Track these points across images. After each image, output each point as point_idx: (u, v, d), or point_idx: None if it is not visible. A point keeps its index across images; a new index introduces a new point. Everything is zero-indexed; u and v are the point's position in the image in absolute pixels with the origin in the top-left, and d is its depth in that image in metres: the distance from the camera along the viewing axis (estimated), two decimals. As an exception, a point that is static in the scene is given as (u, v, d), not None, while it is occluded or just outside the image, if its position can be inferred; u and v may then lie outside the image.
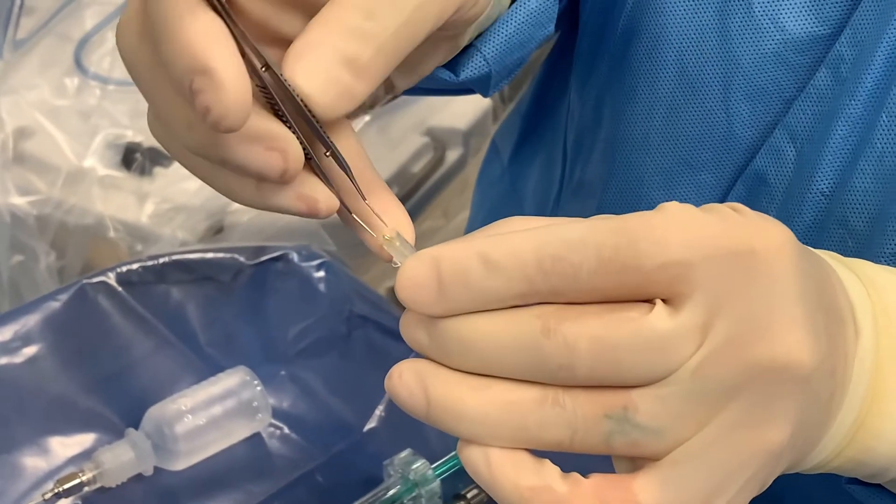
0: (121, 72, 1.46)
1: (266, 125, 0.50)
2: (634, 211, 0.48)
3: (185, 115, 0.51)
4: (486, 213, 1.07)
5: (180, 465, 0.88)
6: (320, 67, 0.51)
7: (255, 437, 0.91)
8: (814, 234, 0.70)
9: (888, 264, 0.58)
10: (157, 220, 1.35)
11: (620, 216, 0.47)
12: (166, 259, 0.99)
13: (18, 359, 0.93)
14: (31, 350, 0.94)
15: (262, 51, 0.50)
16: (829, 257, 0.55)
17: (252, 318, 0.99)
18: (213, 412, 0.89)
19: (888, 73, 0.67)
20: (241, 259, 1.00)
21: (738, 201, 0.71)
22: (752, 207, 0.50)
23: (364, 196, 0.54)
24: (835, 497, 0.66)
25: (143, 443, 0.86)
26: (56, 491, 0.83)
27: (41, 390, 0.92)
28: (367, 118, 1.50)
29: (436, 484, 0.82)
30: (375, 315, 0.98)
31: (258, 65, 0.50)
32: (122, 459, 0.85)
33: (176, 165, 1.39)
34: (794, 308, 0.48)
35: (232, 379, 0.91)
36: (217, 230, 1.36)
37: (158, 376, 0.94)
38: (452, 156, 1.58)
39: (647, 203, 0.77)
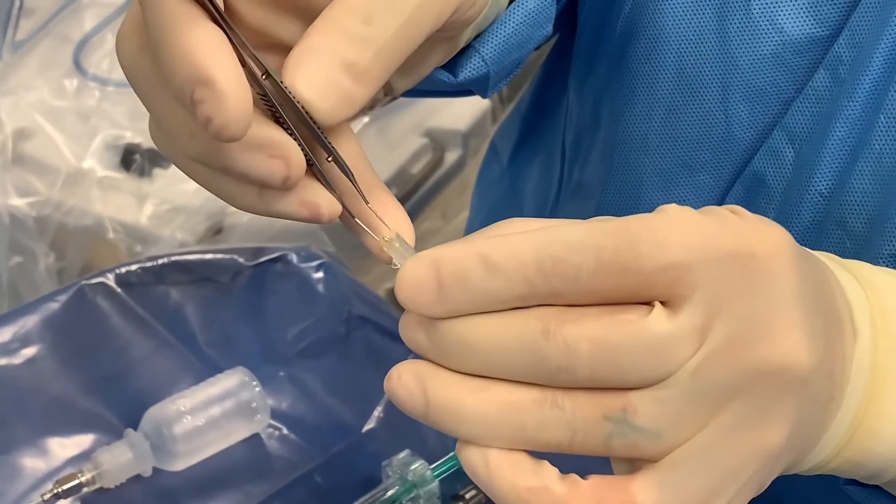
0: (120, 73, 1.45)
1: (267, 133, 0.50)
2: (633, 212, 0.48)
3: (185, 124, 0.52)
4: (486, 214, 1.08)
5: (179, 465, 0.88)
6: (320, 73, 0.51)
7: (254, 438, 0.91)
8: (812, 235, 0.70)
9: (887, 265, 0.59)
10: (156, 222, 1.35)
11: (620, 218, 0.47)
12: (165, 260, 0.99)
13: (17, 360, 0.93)
14: (30, 351, 0.94)
15: (262, 58, 0.50)
16: (828, 259, 0.55)
17: (251, 319, 0.99)
18: (211, 413, 0.89)
19: (886, 74, 0.67)
20: (241, 260, 1.00)
21: (736, 202, 0.72)
22: (751, 208, 0.50)
23: (367, 200, 0.54)
24: (833, 498, 0.66)
25: (142, 443, 0.86)
26: (55, 492, 0.84)
27: (40, 391, 0.92)
28: (365, 119, 1.50)
29: (434, 485, 0.83)
30: (374, 316, 0.98)
31: (258, 72, 0.50)
32: (120, 460, 0.86)
33: (175, 167, 1.38)
34: (793, 310, 0.48)
35: (231, 380, 0.91)
36: (216, 231, 1.36)
37: (157, 377, 0.94)
38: (451, 157, 1.58)
39: (645, 204, 0.77)
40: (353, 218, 0.54)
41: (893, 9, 0.67)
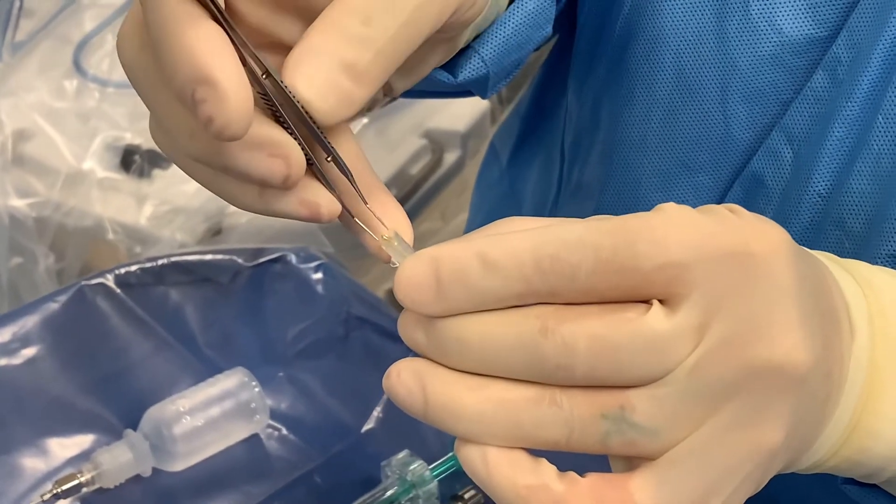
0: (120, 74, 1.46)
1: (268, 132, 0.51)
2: (632, 212, 0.48)
3: (186, 123, 0.52)
4: (485, 214, 1.08)
5: (179, 466, 0.88)
6: (320, 73, 0.51)
7: (254, 439, 0.92)
8: (811, 235, 0.70)
9: (885, 265, 0.59)
10: (155, 222, 1.35)
11: (618, 217, 0.47)
12: (165, 261, 0.99)
13: (17, 360, 0.93)
14: (29, 351, 0.94)
15: (262, 57, 0.50)
16: (826, 258, 0.55)
17: (250, 320, 0.99)
18: (211, 413, 0.89)
19: (885, 75, 0.67)
20: (240, 261, 1.00)
21: (735, 203, 0.72)
22: (750, 209, 0.50)
23: (365, 200, 0.54)
24: (830, 497, 0.66)
25: (142, 444, 0.86)
26: (55, 492, 0.84)
27: (40, 391, 0.92)
28: (365, 120, 1.50)
29: (433, 485, 0.83)
30: (373, 316, 0.98)
31: (259, 72, 0.50)
32: (120, 460, 0.86)
33: (175, 168, 1.38)
34: (791, 309, 0.48)
35: (230, 380, 0.91)
36: (215, 232, 1.36)
37: (157, 377, 0.94)
38: (450, 158, 1.58)
39: (644, 205, 0.78)
40: (353, 217, 0.55)
41: (892, 10, 0.67)
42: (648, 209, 0.48)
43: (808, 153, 0.70)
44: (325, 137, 0.52)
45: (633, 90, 0.78)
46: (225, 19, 0.48)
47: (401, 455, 0.84)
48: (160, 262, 0.99)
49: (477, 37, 0.67)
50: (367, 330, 0.98)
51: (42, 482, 0.87)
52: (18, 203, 1.37)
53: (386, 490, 0.83)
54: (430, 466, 0.83)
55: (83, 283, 0.97)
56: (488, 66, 0.67)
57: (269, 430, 0.92)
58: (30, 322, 0.95)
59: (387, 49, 0.52)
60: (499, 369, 0.48)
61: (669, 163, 0.77)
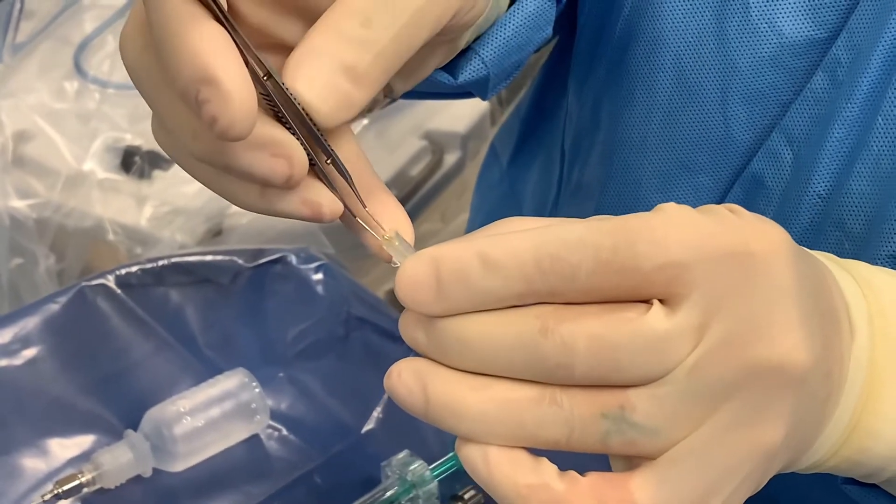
0: (120, 75, 1.47)
1: (270, 132, 0.51)
2: (632, 213, 0.48)
3: (189, 123, 0.52)
4: (485, 215, 1.08)
5: (179, 466, 0.88)
6: (320, 75, 0.51)
7: (254, 439, 0.92)
8: (810, 236, 0.70)
9: (885, 266, 0.59)
10: (155, 223, 1.35)
11: (618, 217, 0.47)
12: (165, 261, 0.99)
13: (18, 361, 0.93)
14: (30, 352, 0.94)
15: (264, 59, 0.51)
16: (826, 258, 0.55)
17: (250, 321, 0.99)
18: (211, 414, 0.89)
19: (884, 76, 0.67)
20: (240, 261, 1.00)
21: (735, 204, 0.72)
22: (750, 210, 0.50)
23: (364, 203, 0.55)
24: (830, 497, 0.67)
25: (142, 444, 0.86)
26: (55, 492, 0.84)
27: (40, 392, 0.92)
28: (365, 121, 1.50)
29: (433, 485, 0.83)
30: (373, 317, 0.98)
31: (260, 73, 0.51)
32: (121, 461, 0.86)
33: (175, 169, 1.39)
34: (790, 309, 0.48)
35: (230, 381, 0.91)
36: (216, 233, 1.36)
37: (157, 378, 0.94)
38: (450, 159, 1.58)
39: (644, 205, 0.78)
40: (355, 217, 0.55)
41: (891, 11, 0.67)
42: (648, 210, 0.48)
43: (808, 154, 0.70)
44: (324, 140, 0.52)
45: (633, 91, 0.78)
46: (227, 20, 0.49)
47: (401, 455, 0.84)
48: (160, 262, 0.99)
49: (477, 38, 0.67)
50: (368, 330, 0.98)
51: (43, 482, 0.87)
52: (19, 204, 1.37)
53: (386, 490, 0.83)
54: (431, 466, 0.83)
55: (83, 283, 0.97)
56: (489, 68, 0.67)
57: (270, 431, 0.92)
58: (30, 323, 0.95)
59: (386, 52, 0.52)
60: (499, 369, 0.48)
61: (669, 163, 0.77)
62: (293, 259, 1.01)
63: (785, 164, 0.72)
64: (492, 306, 0.48)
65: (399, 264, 0.51)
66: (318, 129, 0.52)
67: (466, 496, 0.85)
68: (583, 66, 0.85)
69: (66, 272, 1.38)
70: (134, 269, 0.98)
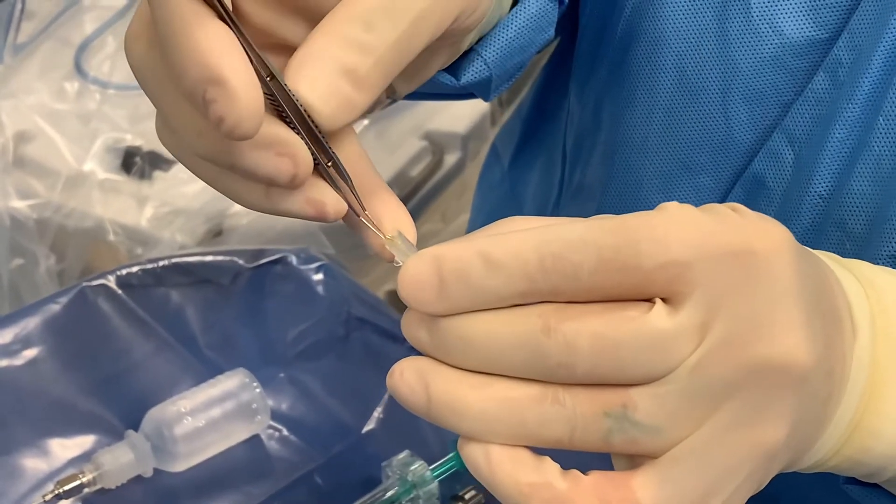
0: (120, 76, 1.47)
1: (275, 131, 0.51)
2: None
3: (194, 122, 0.52)
4: (486, 216, 1.08)
5: (180, 466, 0.88)
6: (322, 77, 0.51)
7: (254, 439, 0.92)
8: (812, 236, 0.70)
9: (886, 266, 0.59)
10: (156, 224, 1.35)
11: (621, 216, 0.48)
12: (166, 262, 0.99)
13: (18, 361, 0.93)
14: (31, 352, 0.94)
15: (266, 59, 0.51)
16: (828, 258, 0.55)
17: (251, 321, 0.99)
18: (212, 414, 0.89)
19: (885, 77, 0.67)
20: (240, 262, 1.00)
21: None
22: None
23: (364, 207, 0.55)
24: (831, 497, 0.67)
25: (143, 444, 0.86)
26: (56, 492, 0.84)
27: (41, 392, 0.92)
28: (365, 122, 1.50)
29: (434, 485, 0.83)
30: (373, 317, 0.98)
31: (263, 73, 0.51)
32: (121, 461, 0.86)
33: (175, 169, 1.39)
34: (792, 308, 0.48)
35: (231, 381, 0.91)
36: (216, 233, 1.36)
37: (158, 378, 0.94)
38: (451, 159, 1.58)
39: (646, 206, 0.77)
40: (358, 216, 0.55)
41: (892, 12, 0.67)
42: (650, 210, 0.48)
43: (809, 154, 0.70)
44: (326, 142, 0.53)
45: (634, 92, 0.78)
46: (231, 20, 0.49)
47: (401, 455, 0.84)
48: (161, 263, 0.99)
49: (480, 39, 0.67)
50: (368, 330, 0.98)
51: (44, 483, 0.87)
52: (19, 204, 1.37)
53: (386, 490, 0.83)
54: (431, 467, 0.83)
55: (84, 284, 0.97)
56: (491, 69, 0.67)
57: (270, 431, 0.92)
58: (31, 323, 0.95)
59: (387, 56, 0.52)
60: (501, 368, 0.48)
61: (671, 164, 0.77)
62: (293, 259, 1.01)
63: (786, 164, 0.72)
64: (494, 305, 0.48)
65: (401, 264, 0.51)
66: (320, 131, 0.52)
67: (467, 496, 0.85)
68: (584, 67, 0.85)
69: (66, 273, 1.38)
70: (134, 269, 0.98)
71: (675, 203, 0.48)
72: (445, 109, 1.57)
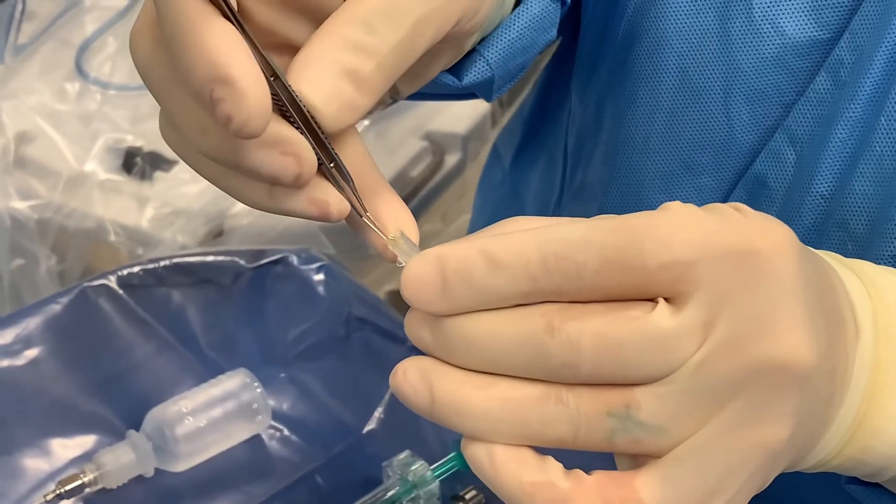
0: (121, 77, 1.47)
1: (280, 130, 0.51)
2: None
3: (199, 120, 0.52)
4: (488, 216, 1.08)
5: (181, 466, 0.88)
6: (324, 79, 0.51)
7: (255, 439, 0.92)
8: (813, 236, 0.70)
9: (888, 266, 0.59)
10: (157, 224, 1.35)
11: (624, 216, 0.48)
12: (167, 262, 0.99)
13: (20, 361, 0.93)
14: (32, 352, 0.94)
15: (270, 59, 0.51)
16: (830, 258, 0.55)
17: (252, 321, 0.99)
18: (213, 414, 0.89)
19: (887, 77, 0.67)
20: (241, 262, 1.00)
21: (738, 204, 0.72)
22: (752, 210, 0.51)
23: (365, 209, 0.55)
24: (832, 498, 0.67)
25: (144, 444, 0.86)
26: (57, 492, 0.84)
27: (42, 392, 0.92)
28: (366, 122, 1.50)
29: (434, 485, 0.83)
30: (374, 317, 0.98)
31: (266, 73, 0.51)
32: (123, 461, 0.86)
33: (176, 170, 1.39)
34: (796, 308, 0.48)
35: (232, 381, 0.91)
36: (217, 234, 1.36)
37: (159, 378, 0.94)
38: (451, 160, 1.58)
39: (647, 206, 0.77)
40: (361, 217, 0.55)
41: (894, 13, 0.67)
42: (652, 210, 0.49)
43: (811, 155, 0.70)
44: (328, 142, 0.53)
45: (636, 92, 0.78)
46: (236, 19, 0.49)
47: (402, 455, 0.84)
48: (162, 263, 0.99)
49: (482, 40, 0.67)
50: (368, 331, 0.98)
51: (45, 482, 0.87)
52: (20, 205, 1.37)
53: (387, 490, 0.83)
54: (432, 467, 0.83)
55: (85, 284, 0.97)
56: (493, 70, 0.67)
57: (271, 431, 0.92)
58: (32, 323, 0.95)
59: (389, 59, 0.53)
60: (504, 367, 0.48)
61: (672, 164, 0.77)
62: (294, 260, 1.01)
63: (788, 164, 0.72)
64: (497, 305, 0.48)
65: (404, 264, 0.51)
66: (322, 132, 0.52)
67: (468, 496, 0.85)
68: (586, 68, 0.85)
69: (67, 273, 1.38)
70: (135, 269, 0.98)
71: (677, 203, 0.48)
72: (446, 110, 1.57)
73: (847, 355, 0.52)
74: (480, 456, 0.49)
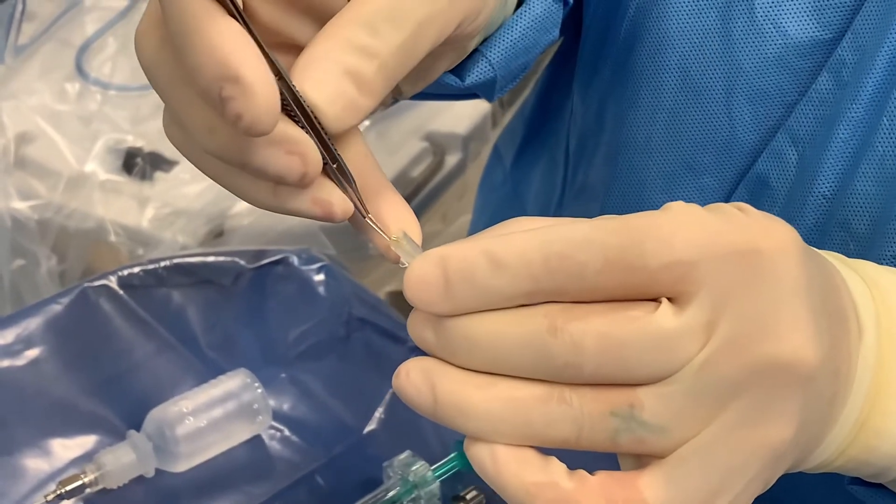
0: (121, 77, 1.47)
1: (286, 129, 0.51)
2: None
3: (205, 118, 0.51)
4: (489, 217, 1.08)
5: (181, 466, 0.88)
6: (327, 80, 0.51)
7: (256, 439, 0.92)
8: (815, 237, 0.70)
9: (890, 266, 0.59)
10: (157, 225, 1.35)
11: (626, 216, 0.48)
12: (167, 263, 0.99)
13: (20, 361, 0.93)
14: (32, 353, 0.94)
15: (275, 59, 0.51)
16: (833, 258, 0.55)
17: (252, 321, 0.99)
18: (213, 414, 0.89)
19: (889, 77, 0.67)
20: (242, 262, 1.00)
21: (740, 204, 0.72)
22: (754, 210, 0.51)
23: (368, 210, 0.55)
24: (835, 498, 0.67)
25: (145, 445, 0.86)
26: (58, 492, 0.84)
27: (43, 393, 0.92)
28: (366, 123, 1.50)
29: (435, 485, 0.83)
30: (374, 318, 0.98)
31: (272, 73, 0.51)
32: (123, 461, 0.86)
33: (176, 170, 1.39)
34: (799, 307, 0.48)
35: (232, 381, 0.91)
36: (217, 234, 1.36)
37: (159, 379, 0.94)
38: (451, 160, 1.58)
39: (649, 206, 0.76)
40: (364, 217, 0.55)
41: (896, 13, 0.67)
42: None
43: (813, 155, 0.70)
44: (331, 143, 0.53)
45: (638, 92, 0.78)
46: (242, 17, 0.48)
47: (402, 456, 0.84)
48: (163, 263, 0.99)
49: (485, 40, 0.67)
50: (369, 331, 0.98)
51: (45, 483, 0.87)
52: (20, 205, 1.37)
53: (388, 491, 0.83)
54: (433, 467, 0.83)
55: (86, 284, 0.97)
56: (496, 70, 0.67)
57: (272, 431, 0.92)
58: (33, 323, 0.95)
59: (391, 61, 0.53)
60: (507, 368, 0.48)
61: (674, 164, 0.77)
62: (295, 260, 1.01)
63: (790, 164, 0.72)
64: (500, 305, 0.48)
65: (407, 265, 0.51)
66: (326, 132, 0.52)
67: (468, 497, 0.85)
68: (588, 68, 0.85)
69: (67, 273, 1.38)
70: (136, 269, 0.98)
71: (680, 202, 0.48)
72: (446, 110, 1.57)
73: (850, 356, 0.52)
74: (483, 456, 0.49)
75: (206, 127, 0.52)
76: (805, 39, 0.71)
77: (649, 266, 0.46)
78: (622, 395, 0.48)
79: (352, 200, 0.54)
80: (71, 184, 1.38)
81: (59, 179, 1.38)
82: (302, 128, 0.51)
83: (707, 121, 0.75)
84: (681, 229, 0.47)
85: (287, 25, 0.54)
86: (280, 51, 0.53)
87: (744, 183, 0.74)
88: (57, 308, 0.96)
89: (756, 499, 0.52)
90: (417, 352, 0.51)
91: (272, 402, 0.93)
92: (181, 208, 1.36)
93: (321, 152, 0.52)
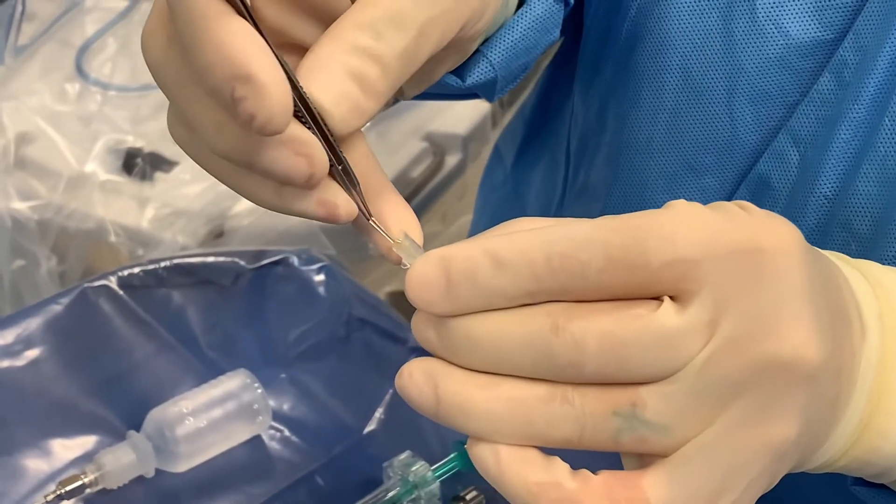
0: (121, 77, 1.47)
1: (293, 130, 0.50)
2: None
3: (214, 118, 0.51)
4: (489, 217, 1.08)
5: (181, 467, 0.88)
6: (332, 82, 0.51)
7: (256, 440, 0.92)
8: (817, 237, 0.70)
9: (893, 267, 0.59)
10: (157, 225, 1.35)
11: (628, 214, 0.48)
12: (167, 263, 0.99)
13: (20, 362, 0.93)
14: (32, 353, 0.94)
15: (282, 59, 0.50)
16: (836, 257, 0.55)
17: (252, 322, 0.99)
18: (213, 415, 0.89)
19: (891, 78, 0.67)
20: (242, 263, 1.00)
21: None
22: (756, 211, 0.51)
23: (371, 212, 0.55)
24: (837, 499, 0.67)
25: (145, 445, 0.86)
26: (58, 493, 0.84)
27: (43, 393, 0.92)
28: (367, 123, 1.50)
29: (435, 486, 0.83)
30: (374, 318, 0.98)
31: None
32: (123, 461, 0.86)
33: (177, 170, 1.39)
34: (801, 306, 0.48)
35: (232, 382, 0.91)
36: (217, 234, 1.36)
37: (159, 379, 0.94)
38: (451, 161, 1.58)
39: (651, 206, 0.75)
40: (368, 219, 0.55)
41: (898, 13, 0.67)
42: None
43: (815, 155, 0.70)
44: (336, 145, 0.53)
45: (639, 92, 0.78)
46: (251, 17, 0.48)
47: (402, 456, 0.84)
48: (163, 264, 0.99)
49: (485, 41, 0.67)
50: (369, 331, 0.98)
51: (45, 483, 0.87)
52: (20, 206, 1.37)
53: (388, 491, 0.83)
54: (433, 467, 0.83)
55: (86, 284, 0.97)
56: (496, 70, 0.67)
57: (271, 432, 0.92)
58: (33, 324, 0.95)
59: (394, 65, 0.53)
60: (510, 367, 0.48)
61: (676, 165, 0.77)
62: (295, 260, 1.01)
63: (791, 165, 0.72)
64: (502, 305, 0.48)
65: (409, 266, 0.51)
66: (331, 133, 0.52)
67: (468, 497, 0.85)
68: (589, 68, 0.85)
69: (67, 274, 1.38)
70: (136, 270, 0.98)
71: (682, 201, 0.48)
72: (446, 111, 1.57)
73: (853, 355, 0.52)
74: (486, 456, 0.49)
75: (214, 127, 0.51)
76: (807, 40, 0.71)
77: (651, 264, 0.46)
78: (624, 394, 0.47)
79: (356, 202, 0.54)
80: (71, 184, 1.38)
81: (59, 180, 1.38)
82: (309, 129, 0.51)
83: (709, 121, 0.75)
84: (683, 227, 0.47)
85: (291, 26, 0.54)
86: (284, 51, 0.53)
87: (745, 183, 0.74)
88: (57, 308, 0.96)
89: (759, 499, 0.52)
90: (417, 352, 0.51)
91: (272, 403, 0.93)
92: (181, 209, 1.36)
93: (327, 154, 0.52)
